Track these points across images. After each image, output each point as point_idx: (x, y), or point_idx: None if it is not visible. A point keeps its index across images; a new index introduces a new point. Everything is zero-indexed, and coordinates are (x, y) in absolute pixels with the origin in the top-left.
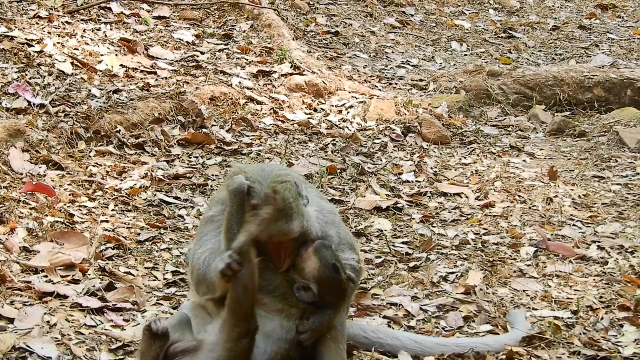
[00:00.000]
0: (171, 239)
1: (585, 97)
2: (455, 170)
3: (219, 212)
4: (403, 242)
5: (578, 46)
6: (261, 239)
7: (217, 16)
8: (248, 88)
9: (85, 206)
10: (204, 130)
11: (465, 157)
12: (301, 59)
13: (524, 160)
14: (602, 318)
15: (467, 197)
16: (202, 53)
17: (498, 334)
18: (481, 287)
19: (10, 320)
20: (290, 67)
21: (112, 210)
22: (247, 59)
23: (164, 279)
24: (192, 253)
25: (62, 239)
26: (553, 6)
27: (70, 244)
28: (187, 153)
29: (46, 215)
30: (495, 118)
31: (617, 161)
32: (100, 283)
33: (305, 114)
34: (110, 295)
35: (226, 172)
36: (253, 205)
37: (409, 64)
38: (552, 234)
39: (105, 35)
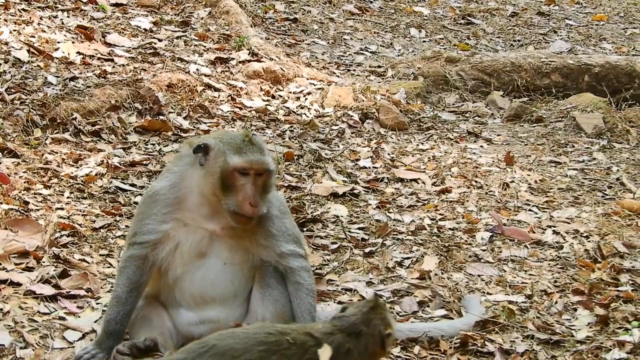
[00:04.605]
0: (127, 226)
1: (543, 83)
2: (413, 156)
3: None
4: (359, 228)
5: (537, 32)
6: (242, 171)
7: (175, 3)
8: (206, 75)
9: (41, 194)
10: (161, 117)
11: (422, 143)
12: (259, 45)
13: (481, 146)
14: (556, 302)
15: (423, 182)
16: (160, 40)
17: (452, 318)
18: (436, 272)
19: None
20: (248, 54)
21: (68, 197)
22: (205, 46)
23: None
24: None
25: (16, 226)
26: None
27: (24, 231)
28: (144, 140)
29: (0, 203)
30: (453, 104)
31: (573, 146)
32: (54, 270)
33: (263, 100)
34: (64, 282)
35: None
36: None
37: (367, 51)
38: (508, 219)
39: (62, 23)
